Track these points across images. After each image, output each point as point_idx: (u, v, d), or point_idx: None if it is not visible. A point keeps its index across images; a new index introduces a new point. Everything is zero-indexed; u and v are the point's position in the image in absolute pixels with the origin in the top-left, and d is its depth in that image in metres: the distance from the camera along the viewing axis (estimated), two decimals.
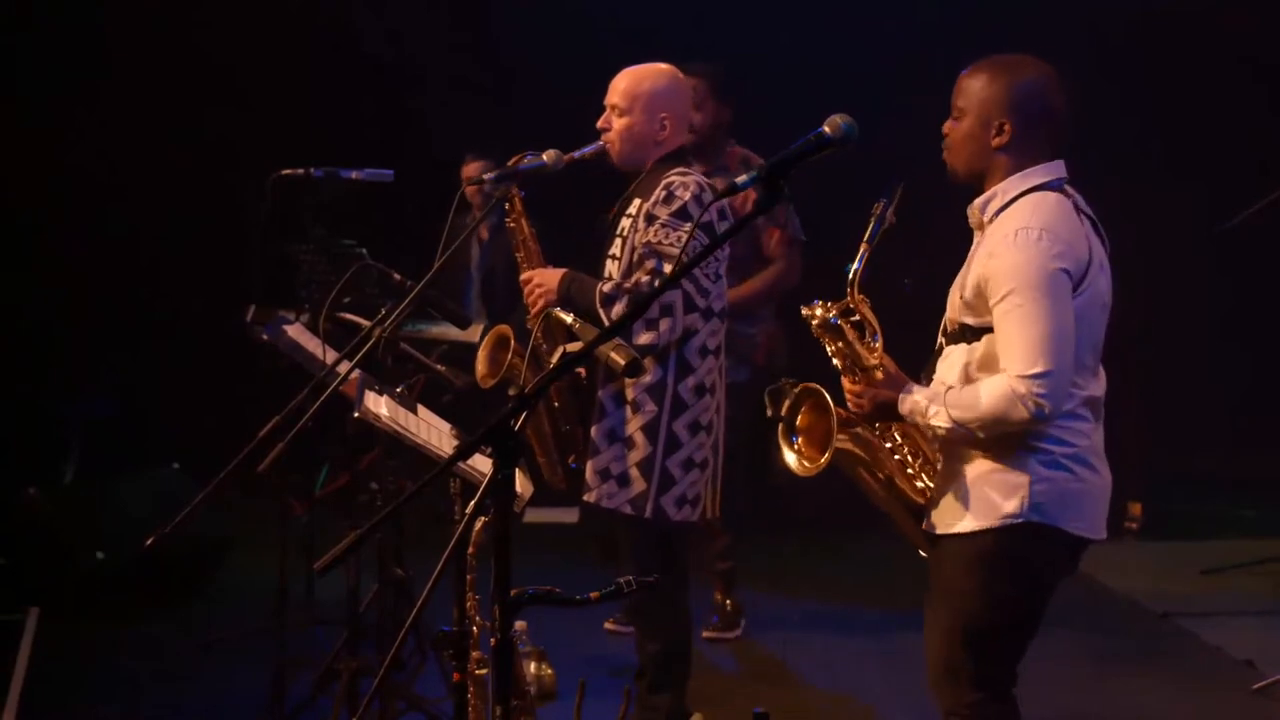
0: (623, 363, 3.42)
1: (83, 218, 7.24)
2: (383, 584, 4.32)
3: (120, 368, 7.31)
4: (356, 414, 3.54)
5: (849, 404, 3.09)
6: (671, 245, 3.86)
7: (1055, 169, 3.07)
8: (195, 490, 3.74)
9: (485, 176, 4.17)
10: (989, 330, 3.01)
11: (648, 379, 3.95)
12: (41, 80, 7.09)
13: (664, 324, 3.91)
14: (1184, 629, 5.48)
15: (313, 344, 4.26)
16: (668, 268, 3.85)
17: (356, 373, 3.66)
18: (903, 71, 7.34)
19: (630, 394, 3.97)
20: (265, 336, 4.35)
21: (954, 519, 3.09)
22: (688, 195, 3.91)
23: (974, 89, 3.08)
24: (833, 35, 7.43)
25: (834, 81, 6.49)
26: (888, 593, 5.79)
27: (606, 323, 3.83)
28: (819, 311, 3.09)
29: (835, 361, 3.13)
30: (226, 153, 6.93)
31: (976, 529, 3.05)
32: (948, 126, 3.14)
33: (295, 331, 4.38)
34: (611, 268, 4.06)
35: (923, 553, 3.29)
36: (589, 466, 4.03)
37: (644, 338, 3.91)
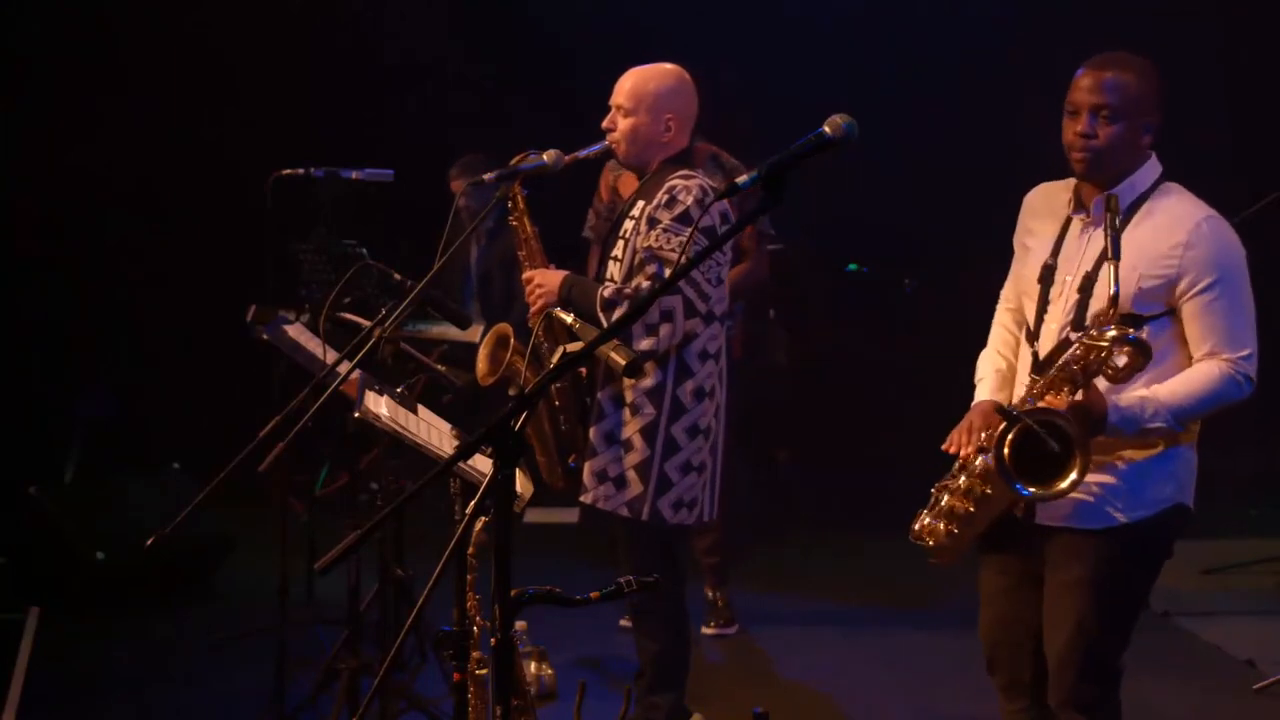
0: (623, 362, 3.43)
1: (83, 218, 7.25)
2: (383, 583, 4.33)
3: (121, 367, 7.31)
4: (356, 414, 3.54)
5: None
6: (673, 250, 3.84)
7: (1158, 164, 3.23)
8: (195, 490, 3.74)
9: (486, 176, 4.17)
10: (1156, 318, 3.09)
11: (647, 382, 3.95)
12: (42, 80, 7.10)
13: (664, 329, 3.90)
14: (1184, 629, 5.47)
15: (313, 344, 4.26)
16: (668, 273, 3.84)
17: (356, 373, 3.67)
18: (903, 71, 7.36)
19: (629, 397, 3.97)
20: (266, 336, 4.36)
21: (1109, 513, 3.16)
22: (690, 199, 3.89)
23: (1132, 93, 3.12)
24: (833, 35, 7.44)
25: (834, 81, 6.50)
26: (888, 592, 5.79)
27: (606, 326, 3.82)
28: (1113, 333, 2.97)
29: (1070, 374, 3.04)
30: (226, 153, 6.93)
31: (1136, 519, 3.16)
32: (1092, 127, 3.12)
33: (295, 331, 4.38)
34: (613, 269, 4.05)
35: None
36: (586, 468, 4.03)
37: (644, 343, 3.90)
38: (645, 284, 3.89)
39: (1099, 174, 3.16)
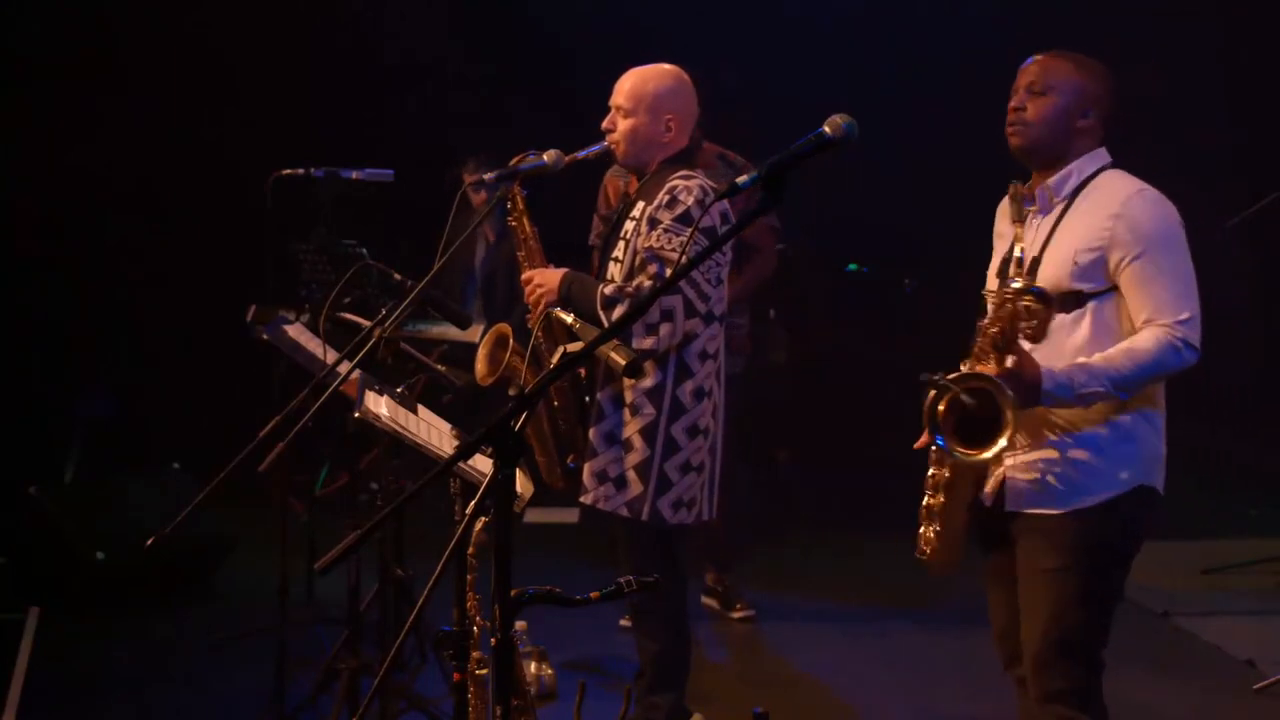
0: (623, 362, 3.43)
1: (83, 218, 7.25)
2: (383, 583, 4.33)
3: (121, 367, 7.32)
4: (356, 414, 3.54)
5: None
6: (674, 251, 3.84)
7: (1106, 155, 3.26)
8: (195, 490, 3.74)
9: (486, 176, 4.17)
10: (1100, 294, 3.11)
11: (647, 382, 3.95)
12: (42, 80, 7.10)
13: (664, 329, 3.90)
14: (1184, 629, 5.47)
15: (313, 344, 4.26)
16: (669, 273, 3.84)
17: (357, 373, 3.66)
18: (903, 71, 7.35)
19: (629, 397, 3.97)
20: (266, 336, 4.36)
21: (1067, 496, 3.16)
22: (691, 200, 3.89)
23: (1065, 72, 3.20)
24: (833, 35, 7.44)
25: (834, 81, 6.50)
26: (888, 592, 5.79)
27: (607, 325, 3.82)
28: (1018, 284, 3.03)
29: (991, 337, 3.07)
30: (226, 153, 6.93)
31: (1096, 502, 3.15)
32: (1024, 100, 3.21)
33: (295, 331, 4.38)
34: (614, 270, 4.05)
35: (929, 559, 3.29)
36: (586, 468, 4.03)
37: (645, 343, 3.90)
38: (647, 284, 3.89)
39: (1034, 154, 3.23)
